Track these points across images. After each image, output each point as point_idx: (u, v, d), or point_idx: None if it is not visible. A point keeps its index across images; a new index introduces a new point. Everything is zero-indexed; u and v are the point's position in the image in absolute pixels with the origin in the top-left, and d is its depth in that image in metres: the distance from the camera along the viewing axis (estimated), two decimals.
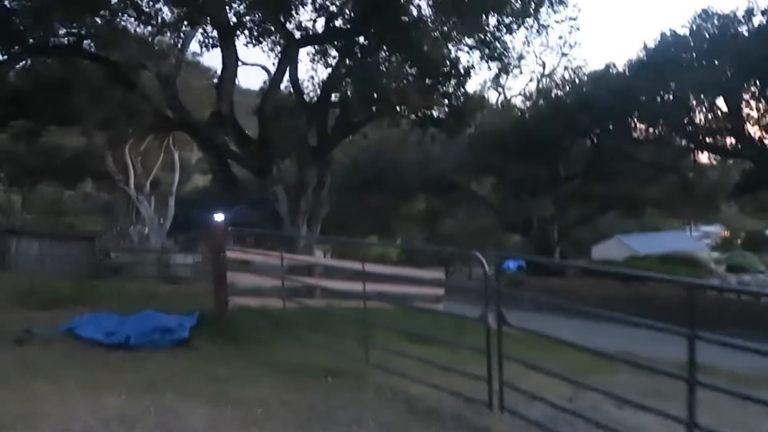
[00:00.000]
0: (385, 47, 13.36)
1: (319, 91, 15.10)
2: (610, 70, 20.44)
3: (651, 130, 21.50)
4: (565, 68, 21.49)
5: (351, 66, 13.48)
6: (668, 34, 17.74)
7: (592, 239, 40.17)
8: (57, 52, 14.35)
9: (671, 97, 19.39)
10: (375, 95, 12.99)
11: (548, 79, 21.69)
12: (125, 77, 14.51)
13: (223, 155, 15.36)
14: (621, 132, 21.55)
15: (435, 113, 13.79)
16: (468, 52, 13.63)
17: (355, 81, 13.02)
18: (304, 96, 14.18)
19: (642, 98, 19.22)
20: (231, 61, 13.13)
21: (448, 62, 13.60)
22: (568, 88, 21.97)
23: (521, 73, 14.94)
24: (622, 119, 20.53)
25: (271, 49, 14.54)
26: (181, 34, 16.59)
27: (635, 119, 20.57)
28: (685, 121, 19.97)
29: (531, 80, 21.36)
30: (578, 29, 32.24)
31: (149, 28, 16.10)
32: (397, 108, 13.17)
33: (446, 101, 13.45)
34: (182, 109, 15.38)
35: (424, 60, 13.08)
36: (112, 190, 36.81)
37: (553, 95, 22.57)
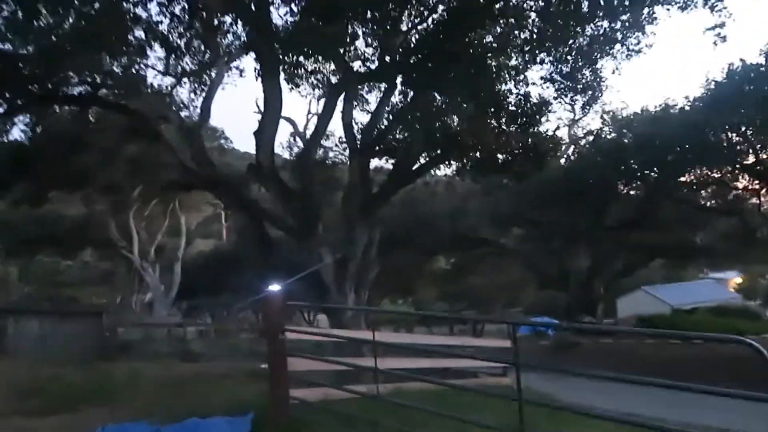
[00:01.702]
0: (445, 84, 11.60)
1: (359, 136, 13.29)
2: (670, 109, 18.85)
3: (711, 171, 19.78)
4: (605, 111, 19.85)
5: (410, 105, 11.69)
6: (738, 65, 16.28)
7: (614, 292, 37.58)
8: (70, 102, 12.48)
9: (737, 134, 17.77)
10: (441, 136, 11.10)
11: (600, 119, 20.07)
12: (147, 127, 12.66)
13: (258, 214, 13.35)
14: (678, 174, 19.81)
15: (503, 156, 11.89)
16: (542, 86, 11.89)
17: (420, 120, 11.16)
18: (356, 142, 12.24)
19: (708, 135, 17.55)
20: (274, 100, 11.27)
21: (521, 98, 11.88)
22: (617, 129, 20.29)
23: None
24: (682, 160, 18.83)
25: (316, 88, 12.77)
26: (206, 80, 14.99)
27: (695, 160, 18.87)
28: (753, 160, 18.28)
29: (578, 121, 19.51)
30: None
31: (168, 78, 14.56)
32: (469, 151, 11.25)
33: (519, 143, 11.60)
34: (210, 164, 13.49)
35: (492, 96, 11.37)
36: (113, 258, 35.18)
37: (602, 137, 20.86)
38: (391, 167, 13.78)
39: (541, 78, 11.62)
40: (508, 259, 30.64)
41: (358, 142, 12.16)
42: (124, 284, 36.44)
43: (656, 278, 41.60)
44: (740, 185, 20.12)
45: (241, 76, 15.94)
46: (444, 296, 41.38)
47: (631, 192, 21.95)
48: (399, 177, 12.27)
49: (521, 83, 12.08)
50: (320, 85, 13.16)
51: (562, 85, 11.57)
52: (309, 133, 19.49)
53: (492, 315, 34.24)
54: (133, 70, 13.44)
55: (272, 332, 5.93)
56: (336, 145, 14.40)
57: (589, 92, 11.49)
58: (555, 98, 11.54)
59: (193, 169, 13.27)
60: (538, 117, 11.89)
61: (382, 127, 12.22)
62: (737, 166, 18.79)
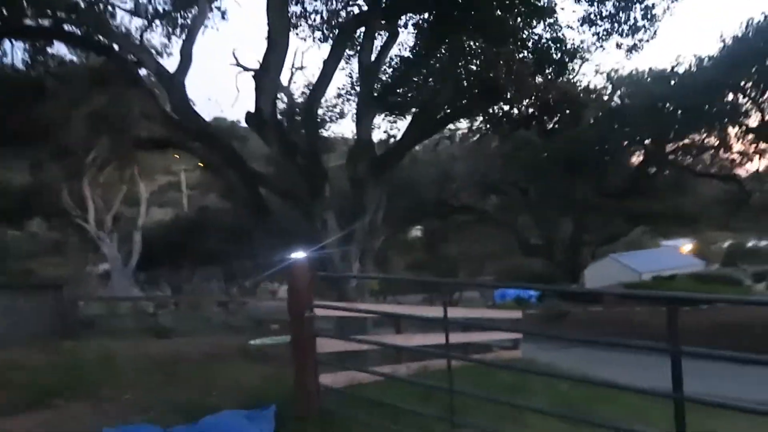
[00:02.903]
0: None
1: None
2: (675, 69, 17.90)
3: (711, 134, 19.09)
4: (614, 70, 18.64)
5: (432, 48, 10.17)
6: (759, 19, 15.39)
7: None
8: (30, 35, 10.40)
9: (743, 95, 17.05)
10: (472, 82, 9.67)
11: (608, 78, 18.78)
12: (123, 69, 10.74)
13: (252, 174, 11.69)
14: (679, 138, 19.05)
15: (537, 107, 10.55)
16: (578, 29, 10.57)
17: (448, 64, 9.69)
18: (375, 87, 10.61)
19: (714, 97, 16.75)
20: (281, 35, 9.53)
21: (550, 42, 10.53)
22: (627, 89, 19.17)
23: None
24: (684, 123, 18.02)
25: (317, 30, 11.06)
26: (182, 21, 13.07)
27: (697, 123, 18.10)
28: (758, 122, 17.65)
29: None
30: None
31: (138, 20, 12.56)
32: (501, 100, 9.87)
33: (553, 91, 10.29)
34: (195, 114, 11.68)
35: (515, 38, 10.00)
36: (65, 227, 32.79)
37: (606, 99, 19.69)
38: (390, 123, 12.33)
39: (579, 20, 10.35)
40: (491, 227, 29.74)
41: (375, 91, 10.57)
42: (77, 255, 34.17)
43: (619, 247, 41.64)
44: (738, 149, 19.55)
45: (223, 18, 14.21)
46: (413, 266, 40.49)
47: (630, 157, 21.14)
48: (417, 131, 10.79)
49: (552, 26, 10.79)
50: (323, 27, 11.44)
51: (601, 28, 10.32)
52: (294, 88, 17.92)
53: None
54: (100, 5, 11.46)
55: (299, 309, 4.94)
56: (339, 96, 12.79)
57: (638, 35, 10.21)
58: (595, 43, 10.19)
59: (177, 120, 11.47)
60: (569, 64, 10.62)
61: (397, 74, 10.69)
62: (743, 127, 18.11)
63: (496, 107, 10.29)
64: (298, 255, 5.30)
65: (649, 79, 18.18)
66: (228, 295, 26.45)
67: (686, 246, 54.06)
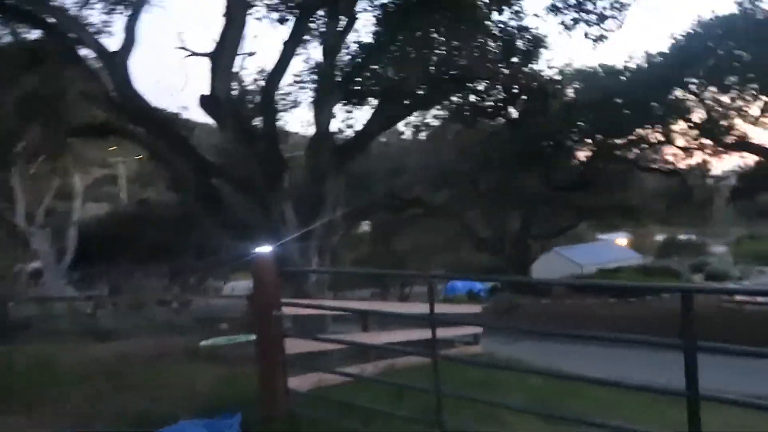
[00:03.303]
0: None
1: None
2: (627, 65, 18.19)
3: (656, 130, 19.55)
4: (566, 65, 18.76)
5: (396, 34, 9.74)
6: (709, 17, 15.75)
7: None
8: None
9: (688, 91, 17.49)
10: (439, 70, 9.31)
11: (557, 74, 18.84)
12: (62, 46, 9.77)
13: (204, 163, 10.94)
14: (627, 133, 19.42)
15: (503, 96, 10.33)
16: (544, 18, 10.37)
17: (416, 52, 9.29)
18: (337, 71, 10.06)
19: (660, 93, 17.11)
20: (239, 11, 8.87)
21: (515, 31, 10.31)
22: (579, 84, 19.32)
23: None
24: (633, 119, 18.37)
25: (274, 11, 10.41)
26: None
27: (644, 118, 18.48)
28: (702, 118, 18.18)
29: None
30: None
31: None
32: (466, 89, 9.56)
33: (521, 80, 10.09)
34: (139, 97, 10.80)
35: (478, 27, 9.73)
36: None
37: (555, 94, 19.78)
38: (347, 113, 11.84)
39: (546, 8, 10.16)
40: (442, 220, 29.67)
41: (337, 77, 10.03)
42: (5, 252, 32.08)
43: (562, 241, 42.59)
44: (682, 144, 20.11)
45: None
46: (359, 261, 40.07)
47: (580, 152, 21.45)
48: (384, 119, 10.34)
49: (517, 15, 10.58)
50: (282, 6, 10.78)
51: (568, 17, 10.17)
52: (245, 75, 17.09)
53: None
54: None
55: (265, 307, 4.59)
56: (295, 83, 12.12)
57: (605, 23, 10.09)
58: (564, 31, 10.02)
59: (120, 103, 10.56)
60: (535, 52, 10.44)
61: (359, 59, 10.20)
62: (690, 124, 18.62)
63: (462, 95, 9.96)
64: (263, 248, 4.75)
65: (602, 74, 18.43)
66: (172, 294, 25.29)
67: (621, 240, 56.00)
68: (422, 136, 22.54)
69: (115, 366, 8.33)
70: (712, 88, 17.29)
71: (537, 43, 10.71)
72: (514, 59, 10.59)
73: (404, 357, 6.48)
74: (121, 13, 12.65)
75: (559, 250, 42.49)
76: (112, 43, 11.97)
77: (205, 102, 9.38)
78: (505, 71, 9.65)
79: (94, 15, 13.56)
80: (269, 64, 10.55)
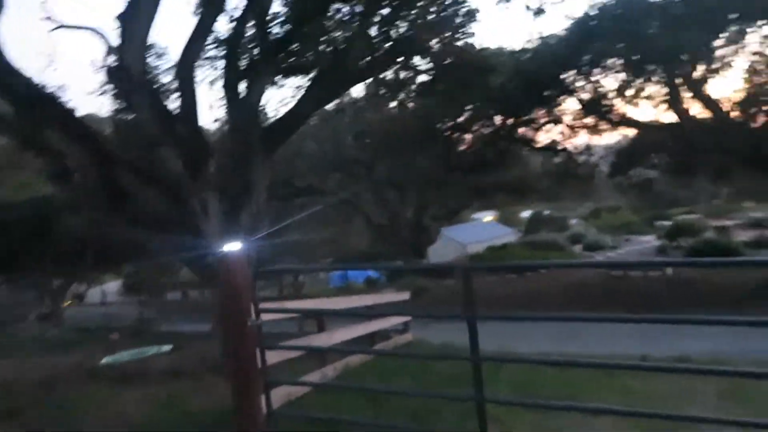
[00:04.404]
0: None
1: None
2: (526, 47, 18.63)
3: (548, 110, 20.36)
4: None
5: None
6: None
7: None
8: None
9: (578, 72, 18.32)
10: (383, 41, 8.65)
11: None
12: None
13: (106, 149, 9.32)
14: (522, 114, 20.03)
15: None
16: None
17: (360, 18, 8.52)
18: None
19: (554, 74, 17.80)
20: None
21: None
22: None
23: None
24: (528, 101, 18.97)
25: None
26: None
27: (539, 98, 19.16)
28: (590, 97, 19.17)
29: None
30: None
31: None
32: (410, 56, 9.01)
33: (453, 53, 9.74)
34: (16, 72, 8.90)
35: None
36: None
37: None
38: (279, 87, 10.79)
39: None
40: (336, 207, 28.93)
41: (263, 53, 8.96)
42: None
43: (445, 223, 43.90)
44: (570, 122, 21.10)
45: None
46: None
47: (475, 133, 21.75)
48: (324, 93, 9.44)
49: None
50: None
51: None
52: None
53: None
54: None
55: (238, 316, 3.94)
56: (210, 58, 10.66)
57: None
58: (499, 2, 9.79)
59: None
60: (468, 25, 10.14)
61: (294, 28, 9.20)
62: (577, 103, 19.58)
63: (397, 68, 9.41)
64: (231, 246, 3.91)
65: (502, 57, 18.77)
66: (44, 306, 22.13)
67: (488, 218, 59.14)
68: (315, 120, 21.62)
69: (16, 388, 7.03)
70: (597, 70, 18.27)
71: (471, 16, 10.42)
72: (448, 33, 10.23)
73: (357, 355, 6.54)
74: None
75: (445, 230, 43.68)
76: None
77: (114, 75, 7.91)
78: (437, 44, 9.22)
79: None
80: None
